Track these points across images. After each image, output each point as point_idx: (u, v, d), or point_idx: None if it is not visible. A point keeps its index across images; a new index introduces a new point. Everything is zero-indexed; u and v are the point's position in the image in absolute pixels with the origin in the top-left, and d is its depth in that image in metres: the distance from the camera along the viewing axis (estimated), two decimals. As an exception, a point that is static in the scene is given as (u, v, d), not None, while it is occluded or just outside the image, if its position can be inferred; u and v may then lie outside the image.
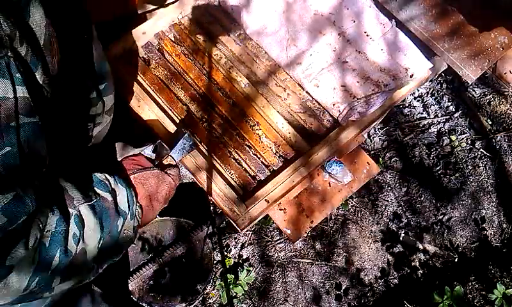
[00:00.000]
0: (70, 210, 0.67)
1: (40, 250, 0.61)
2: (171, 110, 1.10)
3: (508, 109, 2.03)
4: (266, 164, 1.06)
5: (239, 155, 1.06)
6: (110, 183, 0.75)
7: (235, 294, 1.62)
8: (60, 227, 0.63)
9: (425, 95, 2.05)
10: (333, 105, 1.10)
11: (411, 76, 1.13)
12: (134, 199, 0.79)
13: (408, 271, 1.71)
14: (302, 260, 1.72)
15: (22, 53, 0.56)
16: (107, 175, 0.76)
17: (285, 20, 1.21)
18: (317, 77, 1.13)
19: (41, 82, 0.60)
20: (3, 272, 0.56)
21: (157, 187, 0.86)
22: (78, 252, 0.66)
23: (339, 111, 1.09)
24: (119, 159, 0.88)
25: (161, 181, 0.87)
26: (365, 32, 1.18)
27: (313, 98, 1.13)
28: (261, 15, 1.21)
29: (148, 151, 0.91)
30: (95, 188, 0.73)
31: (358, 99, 1.09)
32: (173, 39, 1.20)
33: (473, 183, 1.87)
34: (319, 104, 1.13)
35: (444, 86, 2.06)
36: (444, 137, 1.95)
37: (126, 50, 1.16)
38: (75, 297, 1.06)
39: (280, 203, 1.11)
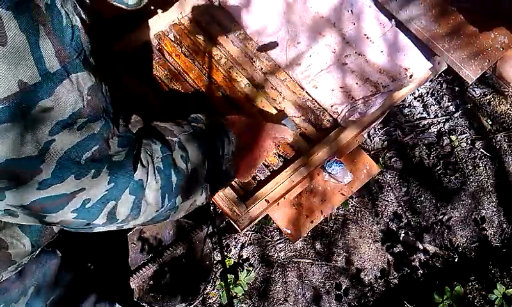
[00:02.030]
0: (172, 138, 0.79)
1: (159, 171, 0.73)
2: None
3: (508, 109, 2.03)
4: (266, 163, 1.06)
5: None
6: (202, 118, 0.88)
7: (235, 294, 1.62)
8: (166, 152, 0.75)
9: (425, 95, 2.05)
10: (331, 106, 1.11)
11: (411, 76, 1.13)
12: (228, 129, 0.89)
13: (408, 271, 1.71)
14: (302, 260, 1.72)
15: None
16: (199, 115, 0.89)
17: (285, 20, 1.21)
18: (315, 78, 1.13)
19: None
20: (136, 186, 0.69)
21: (256, 130, 0.97)
22: (189, 172, 0.78)
23: (338, 113, 1.10)
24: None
25: (260, 126, 0.98)
26: (365, 35, 1.19)
27: (312, 99, 1.13)
28: (261, 15, 1.21)
29: None
30: (190, 122, 0.86)
31: (356, 100, 1.09)
32: (173, 39, 1.20)
33: (473, 183, 1.87)
34: (319, 104, 1.13)
35: (444, 86, 2.06)
36: (444, 137, 1.95)
37: (127, 50, 1.16)
38: (79, 297, 1.07)
39: (279, 203, 1.12)
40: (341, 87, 1.11)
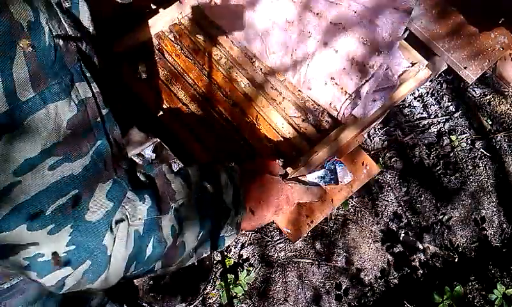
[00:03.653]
0: (170, 202, 0.67)
1: (134, 237, 0.62)
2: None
3: (508, 109, 2.03)
4: (266, 164, 1.06)
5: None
6: (220, 179, 0.75)
7: (235, 294, 1.62)
8: (152, 215, 0.64)
9: (425, 95, 2.05)
10: (330, 104, 1.10)
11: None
12: (242, 199, 0.77)
13: (408, 271, 1.71)
14: (302, 260, 1.72)
15: (84, 49, 0.61)
16: (212, 164, 0.78)
17: (287, 21, 1.21)
18: (306, 79, 1.13)
19: (99, 67, 0.66)
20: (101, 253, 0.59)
21: (269, 192, 0.83)
22: (177, 244, 0.68)
23: (337, 110, 1.09)
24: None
25: (277, 188, 0.85)
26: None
27: (311, 99, 1.13)
28: (262, 14, 1.21)
29: (148, 151, 0.91)
30: (200, 180, 0.73)
31: (350, 95, 1.08)
32: (173, 39, 1.20)
33: (473, 183, 1.87)
34: (318, 105, 1.13)
35: (444, 86, 2.07)
36: (444, 137, 1.95)
37: (127, 50, 1.16)
38: (85, 298, 1.06)
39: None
40: (332, 79, 1.10)
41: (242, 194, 0.78)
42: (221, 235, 0.76)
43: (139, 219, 0.63)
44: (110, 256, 0.60)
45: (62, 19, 0.57)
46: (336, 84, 1.11)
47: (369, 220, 1.79)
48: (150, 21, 1.19)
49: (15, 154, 0.50)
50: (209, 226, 0.72)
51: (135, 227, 0.62)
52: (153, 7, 1.21)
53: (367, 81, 1.07)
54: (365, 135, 1.88)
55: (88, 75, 0.59)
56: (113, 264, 0.61)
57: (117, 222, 0.61)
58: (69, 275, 0.58)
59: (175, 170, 0.75)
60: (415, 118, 2.00)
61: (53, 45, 0.53)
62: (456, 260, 1.73)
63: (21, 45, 0.49)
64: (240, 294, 1.63)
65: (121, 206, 0.62)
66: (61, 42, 0.54)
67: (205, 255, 0.77)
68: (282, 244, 1.74)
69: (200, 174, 0.74)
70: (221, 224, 0.74)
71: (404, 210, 1.82)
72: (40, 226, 0.53)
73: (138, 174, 0.69)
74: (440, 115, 2.01)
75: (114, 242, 0.60)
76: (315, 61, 1.13)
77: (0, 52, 0.47)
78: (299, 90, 1.14)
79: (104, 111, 0.61)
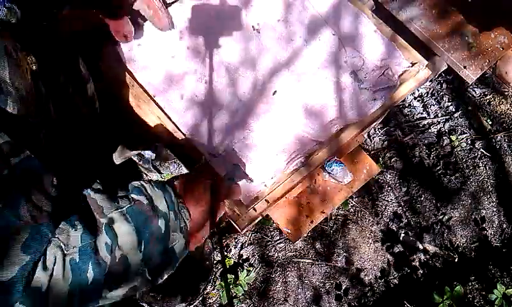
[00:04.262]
0: (100, 219, 0.67)
1: (71, 265, 0.62)
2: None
3: (508, 109, 2.03)
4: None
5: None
6: (145, 189, 0.74)
7: (235, 294, 1.62)
8: (86, 240, 0.64)
9: (425, 95, 2.05)
10: (328, 103, 1.11)
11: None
12: (174, 200, 0.75)
13: (408, 271, 1.71)
14: (302, 260, 1.72)
15: None
16: (143, 182, 0.75)
17: (284, 20, 1.21)
18: (309, 78, 1.13)
19: (16, 112, 0.61)
20: (31, 298, 0.58)
21: (199, 190, 0.80)
22: (117, 261, 0.66)
23: (336, 109, 1.10)
24: (117, 162, 0.88)
25: (201, 185, 0.81)
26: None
27: (311, 98, 1.13)
28: (261, 14, 1.21)
29: (147, 153, 0.91)
30: (130, 194, 0.72)
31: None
32: (173, 39, 1.20)
33: (473, 183, 1.87)
34: (317, 104, 1.13)
35: (444, 86, 2.06)
36: (444, 137, 1.95)
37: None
38: None
39: (279, 203, 1.11)
40: (336, 82, 1.11)
41: (178, 198, 0.76)
42: (169, 246, 0.73)
43: (74, 247, 0.62)
44: (46, 292, 0.59)
45: None
46: (340, 88, 1.11)
47: (369, 220, 1.79)
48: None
49: None
50: (149, 233, 0.70)
51: (70, 255, 0.62)
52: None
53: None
54: (365, 135, 1.88)
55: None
56: (51, 297, 0.60)
57: (50, 257, 0.60)
58: None
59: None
60: (415, 118, 2.00)
61: None
62: (456, 260, 1.73)
63: None
64: (240, 294, 1.63)
65: (55, 238, 0.61)
66: None
67: (169, 270, 0.76)
68: (282, 244, 1.74)
69: (129, 188, 0.74)
70: (161, 229, 0.72)
71: (404, 210, 1.82)
72: None
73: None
74: (440, 115, 2.01)
75: (51, 277, 0.59)
76: (325, 66, 1.13)
77: None
78: (298, 89, 1.14)
79: (17, 159, 0.59)
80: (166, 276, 0.76)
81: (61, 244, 0.62)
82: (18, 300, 0.56)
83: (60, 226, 0.63)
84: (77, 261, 0.62)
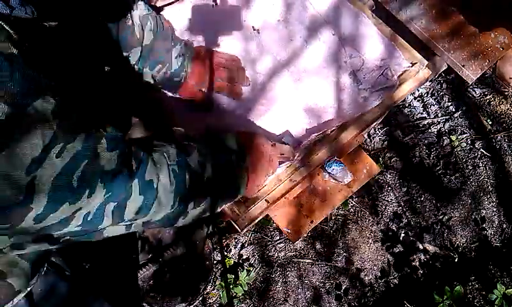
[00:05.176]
0: (191, 144, 0.80)
1: (174, 174, 0.73)
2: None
3: (508, 109, 2.03)
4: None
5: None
6: (223, 135, 0.88)
7: (235, 294, 1.62)
8: (182, 156, 0.76)
9: (425, 95, 2.05)
10: (328, 103, 1.11)
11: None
12: (243, 148, 0.89)
13: (408, 271, 1.71)
14: (302, 260, 1.72)
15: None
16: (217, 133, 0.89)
17: (284, 19, 1.21)
18: (308, 77, 1.13)
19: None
20: (145, 186, 0.69)
21: (260, 150, 0.94)
22: (204, 179, 0.79)
23: (335, 109, 1.10)
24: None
25: (265, 147, 0.94)
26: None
27: (311, 98, 1.13)
28: (261, 14, 1.21)
29: None
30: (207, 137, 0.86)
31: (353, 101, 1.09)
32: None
33: (473, 183, 1.87)
34: (317, 104, 1.13)
35: (444, 86, 2.07)
36: (444, 137, 1.95)
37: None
38: (84, 298, 1.06)
39: (279, 203, 1.11)
40: (336, 83, 1.11)
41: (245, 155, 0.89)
42: (235, 183, 0.87)
43: (173, 159, 0.74)
44: (156, 188, 0.70)
45: (8, 29, 0.58)
46: (340, 89, 1.11)
47: (369, 220, 1.79)
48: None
49: (19, 158, 0.55)
50: (226, 164, 0.83)
51: (172, 166, 0.73)
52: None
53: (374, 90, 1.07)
54: (365, 135, 1.88)
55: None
56: (162, 197, 0.71)
57: (159, 160, 0.71)
58: (121, 208, 0.67)
59: None
60: (415, 118, 2.00)
61: (5, 58, 0.55)
62: (456, 260, 1.73)
63: None
64: (240, 294, 1.63)
65: (159, 149, 0.73)
66: (14, 51, 0.56)
67: (222, 204, 0.89)
68: (282, 244, 1.74)
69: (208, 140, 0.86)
70: (233, 165, 0.85)
71: (404, 210, 1.82)
72: (77, 197, 0.61)
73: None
74: (440, 115, 2.01)
75: (159, 176, 0.70)
76: (325, 66, 1.13)
77: None
78: (298, 89, 1.15)
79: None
80: (224, 205, 0.90)
81: (164, 154, 0.73)
82: (130, 182, 0.67)
83: (160, 142, 0.75)
84: (177, 171, 0.74)
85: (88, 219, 0.65)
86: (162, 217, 0.75)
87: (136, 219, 0.71)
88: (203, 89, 1.07)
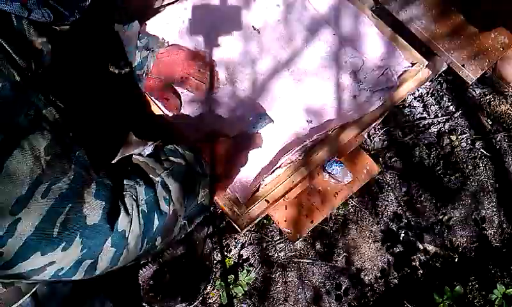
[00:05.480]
0: (155, 178, 0.76)
1: (143, 215, 0.70)
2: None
3: (508, 109, 2.03)
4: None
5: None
6: (179, 151, 0.84)
7: (235, 294, 1.62)
8: (149, 194, 0.73)
9: (425, 95, 2.05)
10: (328, 103, 1.11)
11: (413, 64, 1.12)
12: (203, 161, 0.86)
13: (408, 271, 1.71)
14: (302, 260, 1.72)
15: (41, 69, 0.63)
16: (175, 145, 0.85)
17: (284, 19, 1.21)
18: (309, 77, 1.13)
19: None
20: (118, 239, 0.66)
21: (229, 152, 0.93)
22: (171, 213, 0.75)
23: (336, 109, 1.10)
24: (117, 158, 0.90)
25: (233, 147, 0.94)
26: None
27: (311, 98, 1.13)
28: (261, 14, 1.21)
29: (148, 150, 0.91)
30: (169, 157, 0.81)
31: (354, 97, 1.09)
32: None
33: (473, 183, 1.87)
34: (317, 104, 1.13)
35: (444, 86, 2.07)
36: (444, 137, 1.95)
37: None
38: (87, 299, 1.07)
39: (279, 203, 1.11)
40: (336, 85, 1.11)
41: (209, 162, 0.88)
42: (200, 202, 0.83)
43: (141, 199, 0.71)
44: (127, 237, 0.67)
45: (12, 52, 0.57)
46: (340, 89, 1.11)
47: (369, 220, 1.79)
48: (149, 21, 1.19)
49: (4, 196, 0.53)
50: (190, 190, 0.80)
51: (141, 206, 0.70)
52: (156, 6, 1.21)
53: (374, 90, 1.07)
54: (365, 135, 1.88)
55: (51, 97, 0.61)
56: (131, 243, 0.68)
57: (130, 206, 0.68)
58: (92, 265, 0.64)
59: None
60: (415, 118, 2.00)
61: (8, 83, 0.54)
62: (456, 260, 1.73)
63: None
64: (240, 294, 1.63)
65: (128, 192, 0.70)
66: (16, 78, 0.55)
67: (196, 221, 0.85)
68: (282, 244, 1.74)
69: (166, 153, 0.83)
70: (197, 186, 0.82)
71: (404, 210, 1.82)
72: (52, 248, 0.58)
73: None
74: (440, 115, 2.01)
75: (131, 224, 0.67)
76: (325, 66, 1.13)
77: None
78: (298, 88, 1.15)
79: (71, 133, 0.63)
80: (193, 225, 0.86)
81: (134, 196, 0.70)
82: (107, 237, 0.64)
83: (126, 182, 0.71)
84: (146, 212, 0.71)
85: (60, 274, 0.62)
86: (130, 260, 0.72)
87: (106, 270, 0.68)
88: (164, 82, 1.05)
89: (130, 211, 0.68)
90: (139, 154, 0.91)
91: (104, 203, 0.64)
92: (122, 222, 0.66)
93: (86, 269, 0.64)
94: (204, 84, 1.08)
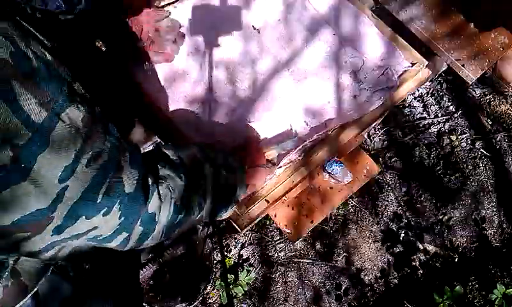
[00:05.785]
0: (200, 181, 0.80)
1: (174, 209, 0.74)
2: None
3: (508, 109, 2.03)
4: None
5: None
6: (232, 162, 0.90)
7: (235, 294, 1.62)
8: (188, 192, 0.76)
9: (425, 95, 2.05)
10: (328, 102, 1.11)
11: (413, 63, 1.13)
12: (244, 181, 0.91)
13: (408, 271, 1.71)
14: (302, 260, 1.72)
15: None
16: (229, 156, 0.91)
17: (284, 19, 1.21)
18: (309, 77, 1.13)
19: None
20: (148, 218, 0.70)
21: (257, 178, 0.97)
22: (196, 215, 0.80)
23: (336, 109, 1.10)
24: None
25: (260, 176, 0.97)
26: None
27: (311, 98, 1.13)
28: (261, 14, 1.21)
29: (148, 149, 0.91)
30: (214, 159, 0.86)
31: (354, 96, 1.09)
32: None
33: (473, 183, 1.87)
34: (317, 104, 1.13)
35: (444, 86, 2.06)
36: (444, 137, 1.95)
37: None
38: (87, 299, 1.07)
39: (279, 203, 1.11)
40: (336, 85, 1.11)
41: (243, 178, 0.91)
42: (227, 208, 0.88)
43: (178, 193, 0.74)
44: (156, 222, 0.71)
45: (38, 34, 0.60)
46: (340, 89, 1.11)
47: (369, 220, 1.79)
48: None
49: (54, 166, 0.56)
50: (225, 199, 0.86)
51: (174, 200, 0.73)
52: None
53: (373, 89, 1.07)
54: (365, 135, 1.88)
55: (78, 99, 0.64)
56: (157, 228, 0.72)
57: (163, 194, 0.71)
58: (127, 238, 0.69)
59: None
60: (415, 118, 2.00)
61: (43, 64, 0.57)
62: (456, 260, 1.73)
63: (13, 78, 0.52)
64: (240, 294, 1.63)
65: (167, 182, 0.73)
66: (49, 57, 0.58)
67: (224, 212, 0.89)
68: (282, 244, 1.74)
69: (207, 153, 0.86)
70: (232, 200, 0.87)
71: (404, 210, 1.82)
72: (95, 214, 0.62)
73: (167, 152, 0.79)
74: (440, 115, 2.01)
75: (160, 210, 0.71)
76: (325, 66, 1.13)
77: (1, 95, 0.51)
78: (298, 88, 1.15)
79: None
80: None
81: (170, 187, 0.73)
82: (142, 210, 0.68)
83: (169, 173, 0.74)
84: (178, 206, 0.74)
85: (98, 239, 0.67)
86: (146, 244, 0.76)
87: (132, 246, 0.73)
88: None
89: (163, 198, 0.71)
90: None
91: (137, 172, 0.67)
92: (154, 203, 0.69)
93: (120, 241, 0.69)
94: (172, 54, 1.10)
